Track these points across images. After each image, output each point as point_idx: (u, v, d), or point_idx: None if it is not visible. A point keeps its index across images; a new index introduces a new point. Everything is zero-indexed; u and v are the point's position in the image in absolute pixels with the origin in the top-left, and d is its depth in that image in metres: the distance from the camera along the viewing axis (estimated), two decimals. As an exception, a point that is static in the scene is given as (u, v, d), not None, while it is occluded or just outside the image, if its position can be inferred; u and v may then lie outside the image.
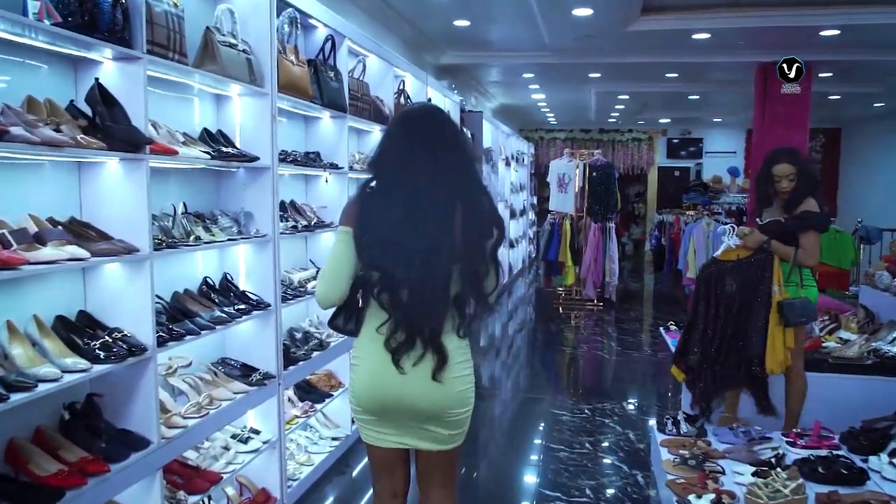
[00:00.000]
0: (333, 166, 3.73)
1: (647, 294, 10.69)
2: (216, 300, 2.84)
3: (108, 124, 2.10)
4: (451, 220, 1.81)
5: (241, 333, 3.03)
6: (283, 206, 3.54)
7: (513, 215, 10.77)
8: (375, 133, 4.63)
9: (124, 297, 2.25)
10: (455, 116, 6.72)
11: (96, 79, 2.14)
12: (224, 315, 2.68)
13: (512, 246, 10.73)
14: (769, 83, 6.42)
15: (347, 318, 1.97)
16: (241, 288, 3.05)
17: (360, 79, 4.09)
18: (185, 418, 2.49)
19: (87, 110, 2.14)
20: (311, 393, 3.68)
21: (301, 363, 3.32)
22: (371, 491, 2.13)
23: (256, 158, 2.88)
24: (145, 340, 2.23)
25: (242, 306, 2.87)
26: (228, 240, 2.73)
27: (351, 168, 3.99)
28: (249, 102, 2.97)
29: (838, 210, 12.32)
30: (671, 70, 7.52)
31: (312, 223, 3.54)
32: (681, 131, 14.17)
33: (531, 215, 13.72)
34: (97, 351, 2.07)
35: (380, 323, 1.85)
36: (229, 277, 3.01)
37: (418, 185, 1.80)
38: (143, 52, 2.15)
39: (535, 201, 14.40)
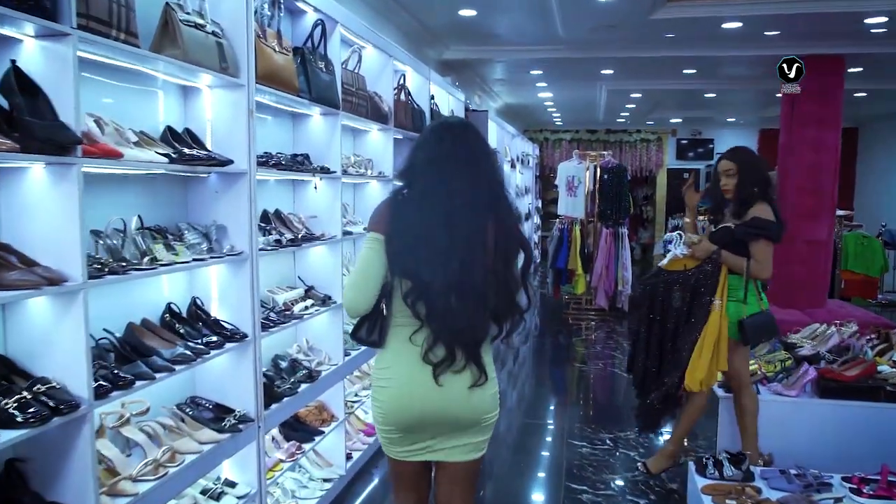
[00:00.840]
0: (324, 170, 3.26)
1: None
2: (182, 331, 2.38)
3: (27, 119, 1.63)
4: (484, 232, 1.80)
5: (215, 367, 2.56)
6: (265, 216, 3.08)
7: (518, 220, 10.30)
8: (374, 134, 4.17)
9: (53, 337, 1.78)
10: (459, 115, 6.26)
11: (12, 61, 1.68)
12: (188, 353, 2.21)
13: (518, 252, 10.26)
14: (801, 80, 5.95)
15: (371, 328, 1.89)
16: (214, 315, 2.58)
17: (356, 71, 3.63)
18: (137, 481, 2.02)
19: (3, 102, 1.68)
20: (299, 430, 3.21)
21: (286, 399, 2.86)
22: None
23: (230, 162, 2.41)
24: (79, 392, 1.76)
25: (214, 338, 2.40)
26: (194, 260, 2.27)
27: (345, 172, 3.52)
28: (222, 96, 2.51)
29: (854, 214, 11.84)
30: (689, 65, 7.06)
31: (300, 236, 3.08)
32: (691, 132, 13.69)
33: (536, 219, 13.27)
34: (11, 411, 1.60)
35: (411, 332, 1.82)
36: (199, 303, 2.55)
37: (454, 192, 1.78)
38: (71, 27, 1.68)
39: (539, 205, 13.97)
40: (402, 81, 4.42)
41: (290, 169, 2.95)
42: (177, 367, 2.12)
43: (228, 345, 2.44)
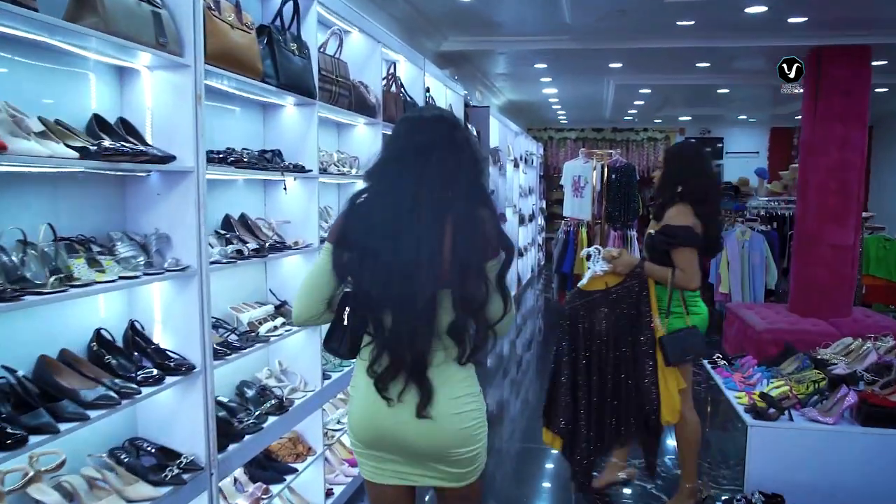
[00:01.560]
0: (297, 168, 2.84)
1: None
2: (113, 363, 1.96)
3: None
4: (437, 235, 1.56)
5: (161, 401, 2.15)
6: (227, 223, 2.66)
7: (521, 221, 9.89)
8: (360, 128, 3.75)
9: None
10: (458, 111, 5.85)
11: None
12: (113, 394, 1.79)
13: (521, 255, 9.85)
14: (824, 70, 5.52)
15: (340, 339, 1.68)
16: (157, 342, 2.16)
17: (336, 57, 3.21)
18: (41, 560, 1.61)
19: None
20: (268, 469, 2.79)
21: (248, 437, 2.44)
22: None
23: (171, 158, 1.99)
24: (-56, 459, 1.35)
25: (154, 372, 1.98)
26: (121, 278, 1.85)
27: (324, 171, 3.11)
28: (163, 79, 2.09)
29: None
30: (703, 58, 6.62)
31: (267, 245, 2.66)
32: (700, 130, 13.25)
33: (540, 220, 12.85)
34: None
35: (366, 344, 1.67)
36: (138, 327, 2.13)
37: (402, 190, 1.57)
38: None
39: (543, 205, 13.56)
40: (392, 71, 4.00)
41: (254, 167, 2.53)
42: (94, 414, 1.70)
43: (170, 378, 2.02)
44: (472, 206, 1.59)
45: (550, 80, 8.00)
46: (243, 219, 2.76)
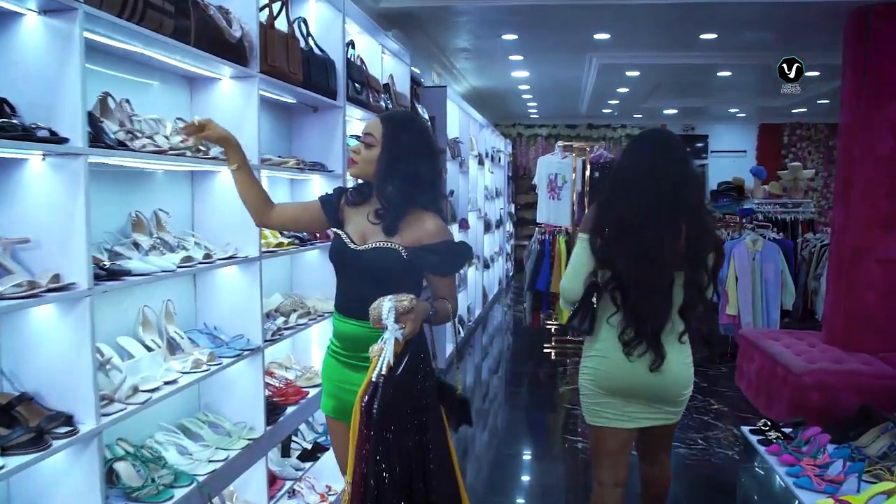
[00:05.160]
0: (32, 135, 1.41)
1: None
2: None
3: None
4: (676, 233, 2.04)
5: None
6: None
7: (487, 228, 8.53)
8: (224, 84, 2.34)
9: None
10: (403, 88, 4.45)
11: None
12: None
13: (486, 266, 8.48)
14: (875, 33, 4.28)
15: (583, 318, 2.14)
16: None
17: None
18: None
19: None
20: None
21: None
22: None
23: None
24: None
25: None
26: None
27: (122, 145, 1.69)
28: None
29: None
30: (710, 26, 5.34)
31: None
32: (683, 126, 12.06)
33: (509, 226, 11.53)
34: None
35: (611, 314, 2.10)
36: None
37: (647, 197, 2.05)
38: None
39: (512, 209, 12.26)
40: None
41: None
42: None
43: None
44: (698, 212, 2.12)
45: (522, 58, 6.66)
46: None
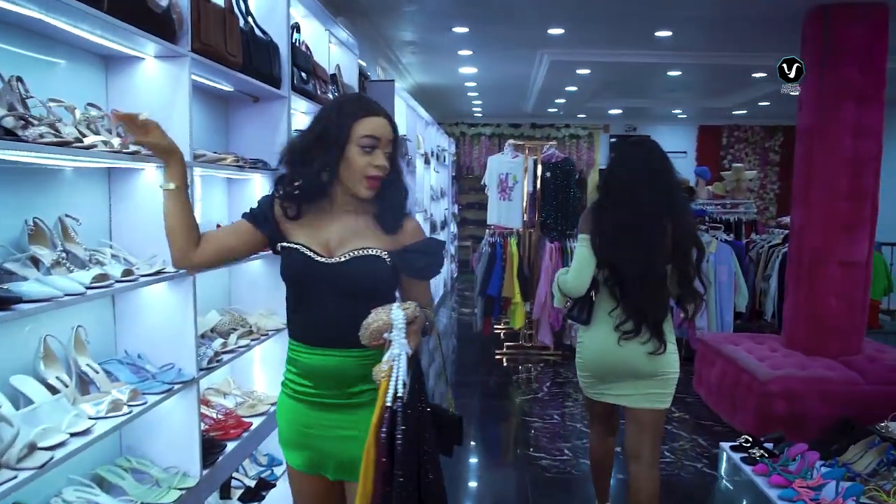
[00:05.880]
0: None
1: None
2: None
3: None
4: (665, 232, 2.29)
5: None
6: None
7: (433, 229, 8.24)
8: (149, 64, 1.96)
9: None
10: (352, 80, 4.09)
11: None
12: None
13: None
14: (833, 33, 4.21)
15: (581, 310, 2.43)
16: None
17: None
18: None
19: None
20: None
21: None
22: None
23: None
24: None
25: None
26: None
27: (9, 133, 1.30)
28: None
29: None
30: (666, 24, 5.21)
31: None
32: (626, 127, 12.10)
33: (453, 227, 11.29)
34: None
35: (611, 308, 2.36)
36: None
37: (642, 200, 2.29)
38: None
39: (456, 210, 12.04)
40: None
41: None
42: None
43: None
44: (681, 213, 2.38)
45: (471, 53, 6.39)
46: None
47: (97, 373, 1.76)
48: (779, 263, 6.21)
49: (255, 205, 1.68)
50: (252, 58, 2.39)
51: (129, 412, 1.67)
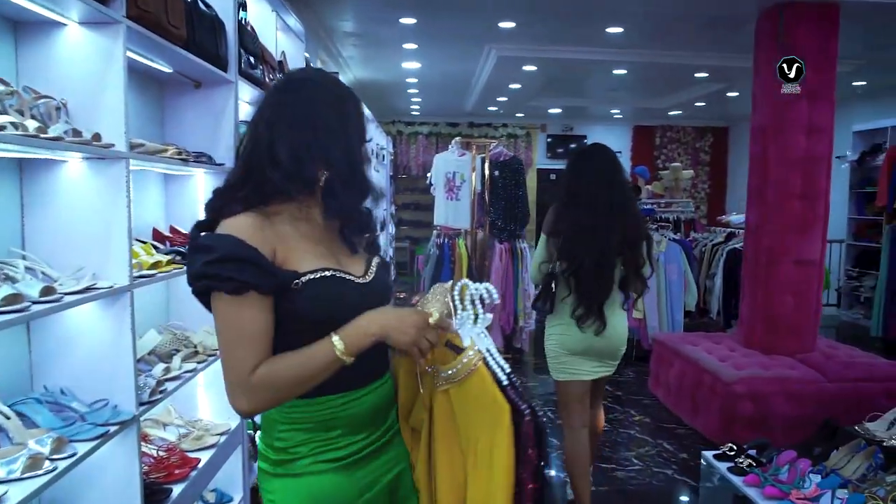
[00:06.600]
0: None
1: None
2: None
3: None
4: (616, 230, 2.59)
5: None
6: None
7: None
8: (72, 32, 1.59)
9: None
10: (300, 65, 3.74)
11: None
12: None
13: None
14: (789, 32, 4.18)
15: (544, 301, 2.74)
16: None
17: None
18: None
19: None
20: None
21: None
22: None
23: None
24: None
25: None
26: None
27: None
28: None
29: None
30: (617, 20, 5.10)
31: None
32: (563, 127, 12.10)
33: (391, 228, 10.97)
34: None
35: (564, 295, 2.68)
36: None
37: (601, 201, 2.60)
38: None
39: (393, 210, 11.72)
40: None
41: None
42: None
43: None
44: (632, 216, 2.69)
45: (416, 47, 6.12)
46: None
47: (8, 418, 1.40)
48: (723, 261, 6.26)
49: (213, 262, 1.18)
50: (195, 32, 2.05)
51: (53, 469, 1.32)
